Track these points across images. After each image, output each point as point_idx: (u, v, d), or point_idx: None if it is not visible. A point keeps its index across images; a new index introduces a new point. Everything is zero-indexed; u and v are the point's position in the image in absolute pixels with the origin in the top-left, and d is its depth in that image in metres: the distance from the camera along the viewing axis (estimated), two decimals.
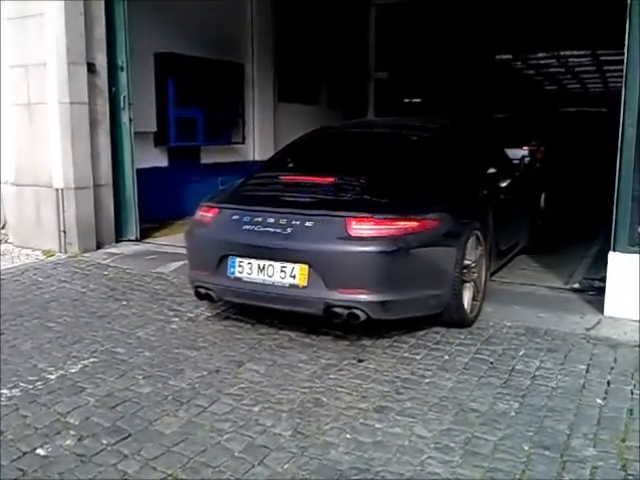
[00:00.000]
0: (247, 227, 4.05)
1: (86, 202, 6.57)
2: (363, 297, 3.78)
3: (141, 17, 7.35)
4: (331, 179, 4.24)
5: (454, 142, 5.16)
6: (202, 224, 4.34)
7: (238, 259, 4.08)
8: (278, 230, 3.94)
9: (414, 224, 3.85)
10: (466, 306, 4.26)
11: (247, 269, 4.04)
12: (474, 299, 4.38)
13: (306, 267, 3.85)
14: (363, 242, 3.76)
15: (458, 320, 4.22)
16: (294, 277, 3.89)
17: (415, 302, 3.99)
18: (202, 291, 4.28)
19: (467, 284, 4.28)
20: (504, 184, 5.21)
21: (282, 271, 3.93)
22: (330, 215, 3.88)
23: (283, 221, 3.95)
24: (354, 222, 3.79)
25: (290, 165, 5.06)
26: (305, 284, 3.86)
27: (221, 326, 4.38)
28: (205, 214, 4.35)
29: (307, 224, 3.89)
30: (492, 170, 5.27)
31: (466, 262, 4.21)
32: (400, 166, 4.55)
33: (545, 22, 13.93)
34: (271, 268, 3.96)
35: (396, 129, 5.52)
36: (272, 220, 3.99)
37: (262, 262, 3.99)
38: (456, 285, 4.09)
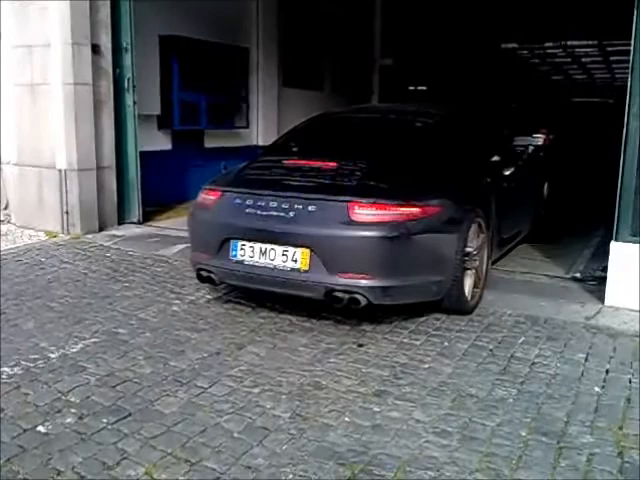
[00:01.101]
0: (249, 210, 4.05)
1: (89, 184, 6.57)
2: (364, 282, 3.79)
3: None
4: (334, 164, 4.24)
5: (458, 129, 5.14)
6: (204, 207, 4.34)
7: (240, 242, 4.08)
8: (280, 214, 3.94)
9: (416, 210, 3.85)
10: (467, 293, 4.27)
11: (249, 252, 4.05)
12: (475, 287, 4.39)
13: (308, 251, 3.86)
14: (365, 227, 3.77)
15: (458, 307, 4.23)
16: (296, 261, 3.90)
17: (416, 288, 3.99)
18: (204, 274, 4.29)
19: (468, 271, 4.28)
20: (507, 172, 5.19)
21: (284, 255, 3.93)
22: (332, 200, 3.89)
23: (285, 205, 3.95)
24: (356, 207, 3.80)
25: (293, 149, 5.05)
26: (306, 268, 3.87)
27: (222, 309, 4.40)
28: (208, 197, 4.35)
29: (309, 208, 3.89)
30: (496, 158, 5.25)
31: (468, 249, 4.20)
32: (403, 152, 4.55)
33: (551, 11, 13.84)
34: (273, 252, 3.97)
35: (400, 115, 5.51)
36: (274, 204, 3.99)
37: (264, 246, 3.99)
38: (457, 272, 4.09)
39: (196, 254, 4.41)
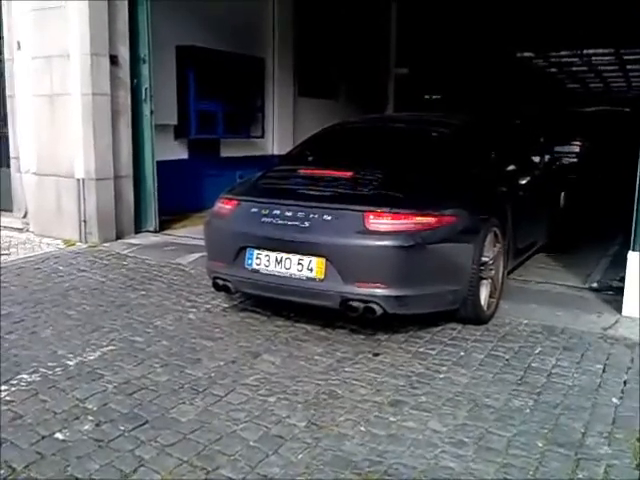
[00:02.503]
0: (265, 219, 4.08)
1: (106, 193, 6.63)
2: (379, 291, 3.79)
3: (163, 9, 7.39)
4: (350, 173, 4.25)
5: (474, 139, 5.14)
6: (221, 216, 4.37)
7: (256, 251, 4.10)
8: (296, 223, 3.96)
9: (432, 220, 3.85)
10: (483, 303, 4.26)
11: (265, 261, 4.07)
12: (491, 296, 4.37)
13: (323, 260, 3.87)
14: (380, 236, 3.77)
15: (475, 316, 4.22)
16: (311, 270, 3.91)
17: (431, 297, 3.99)
18: (220, 282, 4.31)
19: (484, 281, 4.27)
20: (524, 181, 5.18)
21: (299, 264, 3.95)
22: (348, 209, 3.90)
23: (301, 214, 3.97)
24: (372, 216, 3.80)
25: (309, 159, 5.07)
26: (322, 277, 3.88)
27: (238, 317, 4.41)
28: (224, 206, 4.38)
29: (325, 217, 3.90)
30: (512, 167, 5.25)
31: (484, 259, 4.20)
32: (419, 162, 4.55)
33: (567, 20, 13.80)
34: (288, 261, 3.98)
35: (415, 124, 5.51)
36: (290, 213, 4.01)
37: (280, 254, 4.01)
38: (473, 281, 4.08)
39: (212, 262, 4.44)
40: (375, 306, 3.80)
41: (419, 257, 3.83)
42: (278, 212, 4.06)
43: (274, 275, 4.03)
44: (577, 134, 10.18)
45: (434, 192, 4.15)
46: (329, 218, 3.90)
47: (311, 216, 3.94)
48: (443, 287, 3.99)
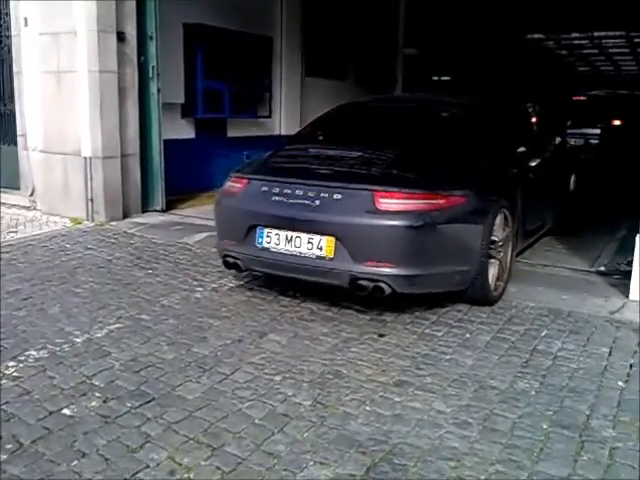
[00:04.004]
0: (276, 198, 4.08)
1: (113, 171, 6.62)
2: (389, 270, 3.80)
3: None
4: (360, 153, 4.25)
5: (484, 120, 5.11)
6: (231, 194, 4.38)
7: (266, 229, 4.11)
8: (306, 202, 3.97)
9: (441, 200, 3.85)
10: (491, 283, 4.26)
11: (275, 240, 4.08)
12: (499, 278, 4.37)
13: (333, 239, 3.88)
14: (390, 216, 3.78)
15: (482, 297, 4.22)
16: (321, 249, 3.92)
17: (440, 277, 3.99)
18: (230, 260, 4.33)
19: (493, 262, 4.27)
20: (534, 164, 5.16)
21: (309, 242, 3.96)
22: (358, 188, 3.90)
23: (311, 193, 3.97)
24: (382, 196, 3.81)
25: (319, 138, 5.06)
26: (332, 256, 3.90)
27: (244, 297, 4.42)
28: (234, 184, 4.38)
29: (335, 197, 3.91)
30: (522, 149, 5.22)
31: (493, 239, 4.20)
32: (429, 142, 4.53)
33: (578, 2, 13.63)
34: (298, 239, 3.99)
35: (426, 105, 5.48)
36: (301, 192, 4.01)
37: (290, 233, 4.02)
38: (482, 262, 4.08)
39: (222, 241, 4.45)
40: (384, 285, 3.81)
41: (428, 237, 3.84)
42: (288, 191, 4.06)
43: (284, 253, 4.04)
44: (592, 118, 10.20)
45: (444, 173, 4.14)
46: (339, 197, 3.90)
47: (321, 195, 3.94)
48: (452, 267, 3.99)
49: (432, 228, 3.81)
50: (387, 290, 3.82)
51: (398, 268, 3.81)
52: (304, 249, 3.98)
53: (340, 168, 4.16)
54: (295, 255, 4.00)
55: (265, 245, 4.12)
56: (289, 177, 4.19)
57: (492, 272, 4.27)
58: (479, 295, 4.20)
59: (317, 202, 3.94)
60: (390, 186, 3.85)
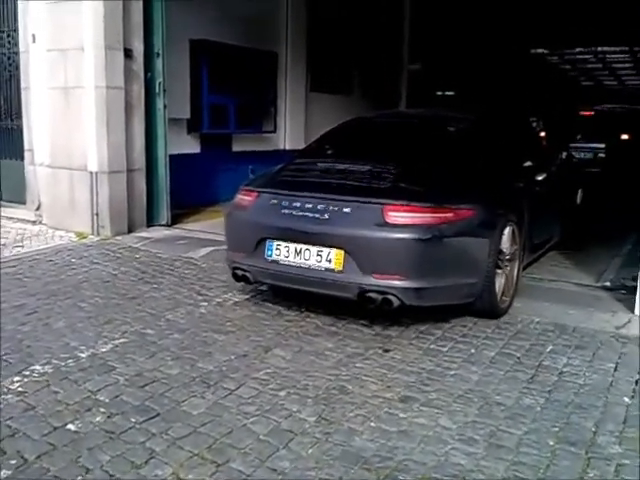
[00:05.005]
0: (285, 211, 4.12)
1: (119, 186, 6.66)
2: (397, 283, 3.82)
3: (177, 3, 7.38)
4: (368, 167, 4.28)
5: (491, 134, 5.14)
6: (241, 207, 4.41)
7: (276, 242, 4.14)
8: (316, 215, 4.00)
9: (449, 213, 3.89)
10: (498, 296, 4.26)
11: (284, 252, 4.10)
12: (505, 292, 4.36)
13: (342, 252, 3.91)
14: (399, 229, 3.80)
15: (490, 310, 4.24)
16: (330, 261, 3.95)
17: (448, 290, 4.01)
18: (239, 272, 4.36)
19: (500, 274, 4.28)
20: (540, 178, 5.18)
21: (318, 255, 3.99)
22: (368, 202, 3.93)
23: (321, 206, 4.01)
24: (391, 209, 3.84)
25: (328, 152, 5.09)
26: (340, 268, 3.92)
27: (249, 311, 4.42)
28: (245, 197, 4.42)
29: (344, 210, 3.94)
30: (528, 163, 5.24)
31: (500, 252, 4.22)
32: (437, 156, 4.56)
33: (581, 17, 13.70)
34: (307, 252, 4.02)
35: (433, 120, 5.51)
36: (310, 205, 4.05)
37: (299, 246, 4.05)
38: (490, 275, 4.10)
39: (232, 253, 4.48)
40: (392, 297, 3.83)
41: (437, 250, 3.86)
42: (298, 204, 4.09)
43: (293, 266, 4.07)
44: (600, 132, 10.25)
45: (452, 186, 4.17)
46: (348, 210, 3.93)
47: (331, 208, 3.98)
48: (460, 280, 4.01)
49: (440, 241, 3.84)
50: (395, 303, 3.83)
51: (407, 281, 3.83)
52: (313, 262, 4.00)
53: (349, 182, 4.20)
54: (304, 267, 4.03)
55: (274, 257, 4.14)
56: (299, 190, 4.22)
57: (499, 284, 4.28)
58: (487, 307, 4.21)
59: (326, 215, 3.97)
60: (399, 200, 3.88)
